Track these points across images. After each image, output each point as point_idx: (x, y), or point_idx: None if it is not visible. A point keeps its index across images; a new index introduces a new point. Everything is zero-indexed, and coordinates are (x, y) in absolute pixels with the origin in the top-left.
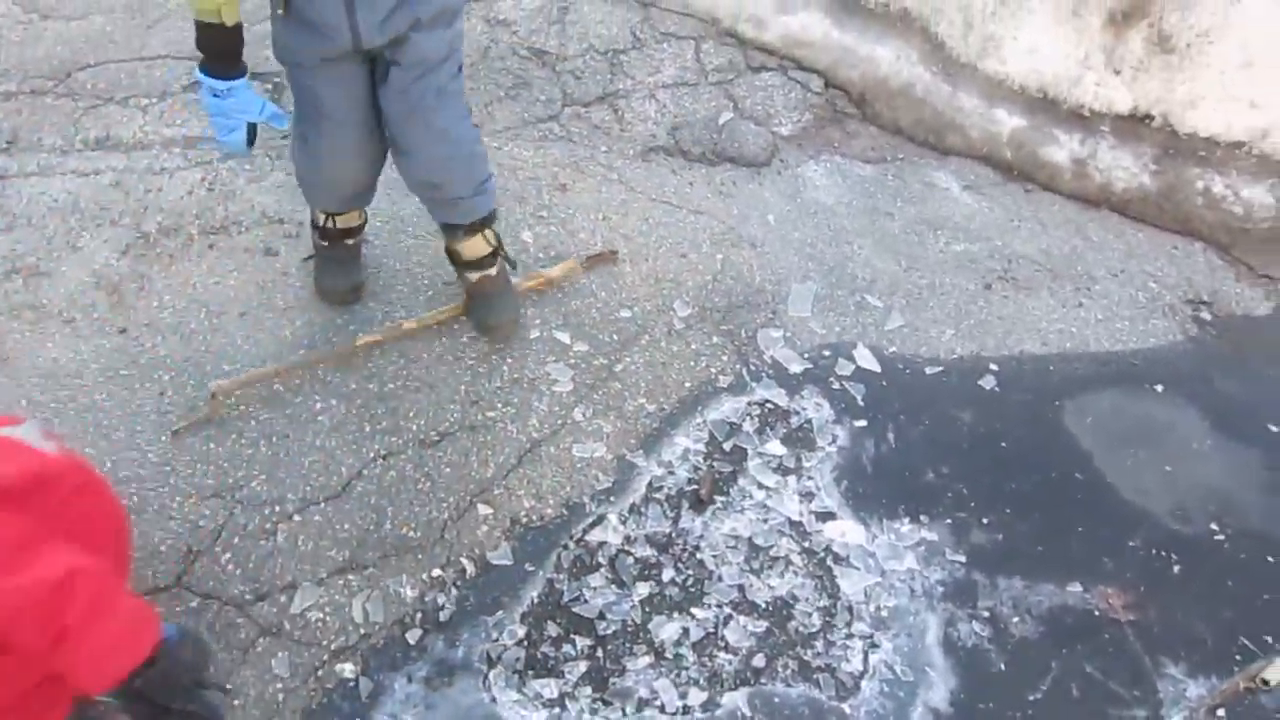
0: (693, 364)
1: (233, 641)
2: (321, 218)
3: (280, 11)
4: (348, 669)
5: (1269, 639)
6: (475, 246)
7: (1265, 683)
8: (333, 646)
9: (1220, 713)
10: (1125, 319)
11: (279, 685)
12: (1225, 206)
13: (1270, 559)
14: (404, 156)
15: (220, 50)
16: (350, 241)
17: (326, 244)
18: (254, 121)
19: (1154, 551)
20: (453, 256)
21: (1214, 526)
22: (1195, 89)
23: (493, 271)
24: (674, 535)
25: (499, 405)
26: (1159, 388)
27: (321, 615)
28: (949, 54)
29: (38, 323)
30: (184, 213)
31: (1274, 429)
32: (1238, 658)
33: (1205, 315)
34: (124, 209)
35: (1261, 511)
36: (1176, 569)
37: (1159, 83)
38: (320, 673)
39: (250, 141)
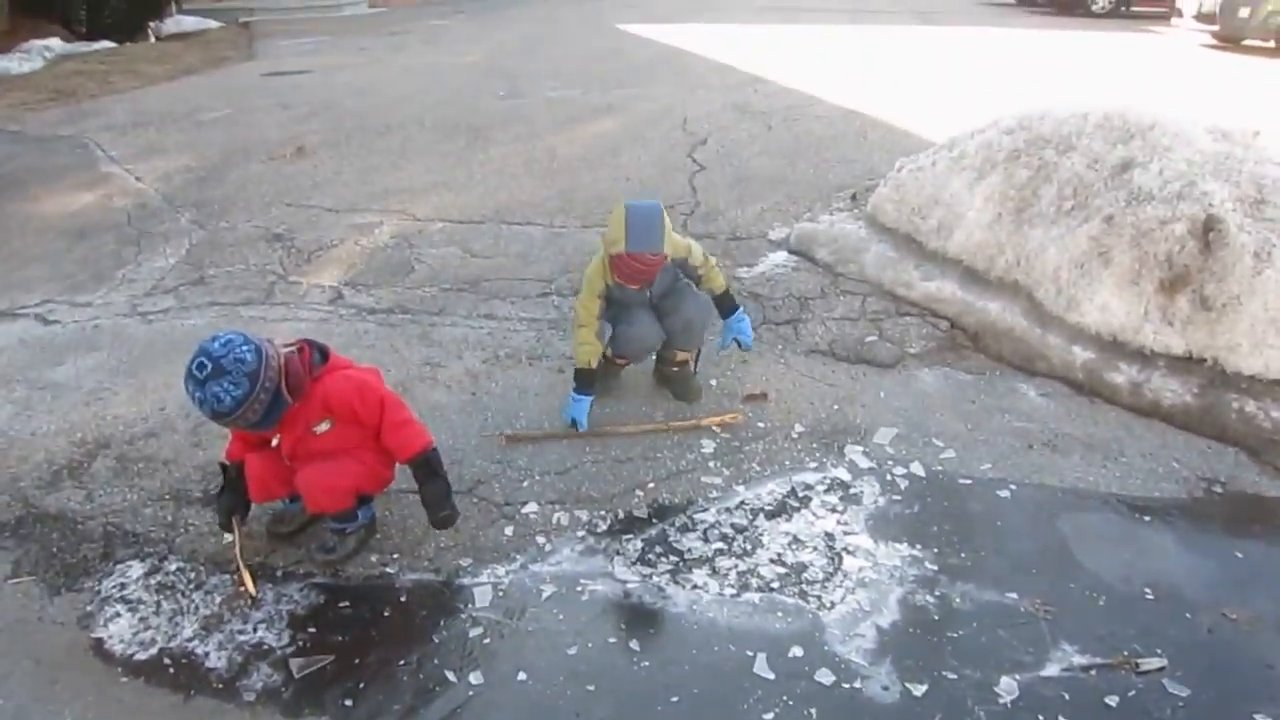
0: (795, 455)
1: (483, 520)
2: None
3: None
4: (541, 539)
5: (1158, 651)
6: (684, 355)
7: (1137, 666)
8: (538, 529)
9: (1092, 672)
10: (1140, 479)
11: (505, 535)
12: (1257, 422)
13: (1184, 617)
14: (676, 314)
15: (586, 380)
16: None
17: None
18: (585, 414)
19: (1088, 593)
20: (670, 359)
21: (1148, 593)
22: (1233, 338)
23: (688, 367)
24: (747, 526)
25: (665, 451)
26: (1146, 519)
27: (537, 516)
28: (1042, 308)
29: (435, 384)
30: (519, 348)
31: (1239, 555)
32: (1124, 653)
33: (1216, 490)
34: (500, 344)
35: (1190, 588)
36: (1101, 602)
37: (1204, 333)
38: (526, 538)
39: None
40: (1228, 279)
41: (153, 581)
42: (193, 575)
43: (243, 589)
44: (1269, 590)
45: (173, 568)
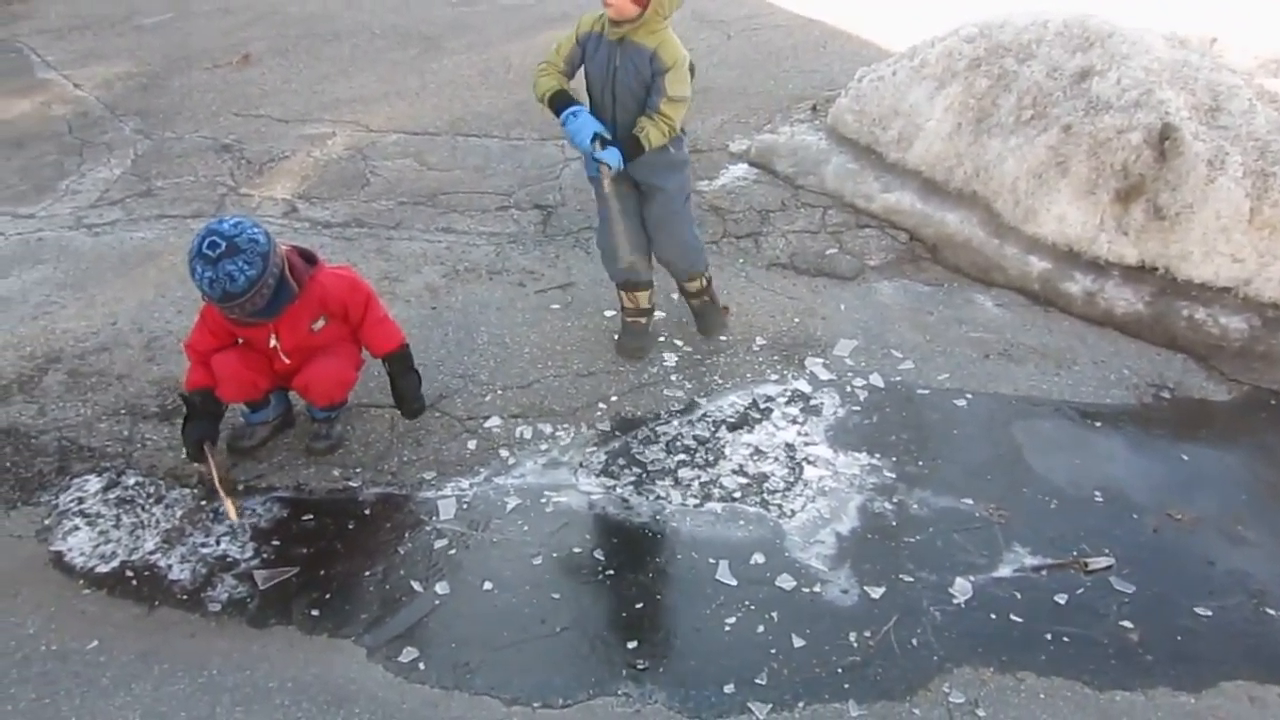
0: (757, 367)
1: (446, 434)
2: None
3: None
4: (504, 452)
5: (1106, 550)
6: (693, 285)
7: (1086, 566)
8: (501, 443)
9: (1043, 572)
10: (1091, 386)
11: (469, 448)
12: (1206, 329)
13: (1131, 517)
14: (654, 246)
15: (563, 99)
16: (643, 320)
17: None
18: (598, 131)
19: (1041, 497)
20: (683, 290)
21: (1097, 495)
22: (1185, 247)
23: (706, 299)
24: (709, 438)
25: (628, 366)
26: (1097, 424)
27: (500, 430)
28: (1000, 219)
29: (394, 299)
30: (479, 263)
31: (1185, 458)
32: (1073, 554)
33: (1165, 395)
34: (449, 258)
35: (1137, 490)
36: (1053, 505)
37: (1157, 242)
38: (490, 451)
39: (622, 161)
40: (1181, 188)
41: (111, 496)
42: (152, 490)
43: (226, 518)
44: (1211, 491)
45: (131, 482)
